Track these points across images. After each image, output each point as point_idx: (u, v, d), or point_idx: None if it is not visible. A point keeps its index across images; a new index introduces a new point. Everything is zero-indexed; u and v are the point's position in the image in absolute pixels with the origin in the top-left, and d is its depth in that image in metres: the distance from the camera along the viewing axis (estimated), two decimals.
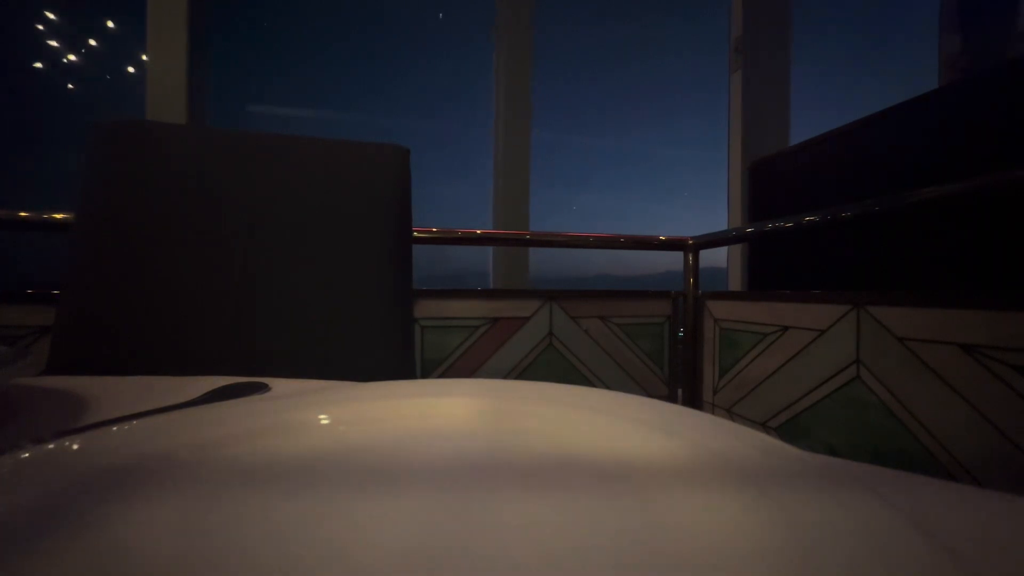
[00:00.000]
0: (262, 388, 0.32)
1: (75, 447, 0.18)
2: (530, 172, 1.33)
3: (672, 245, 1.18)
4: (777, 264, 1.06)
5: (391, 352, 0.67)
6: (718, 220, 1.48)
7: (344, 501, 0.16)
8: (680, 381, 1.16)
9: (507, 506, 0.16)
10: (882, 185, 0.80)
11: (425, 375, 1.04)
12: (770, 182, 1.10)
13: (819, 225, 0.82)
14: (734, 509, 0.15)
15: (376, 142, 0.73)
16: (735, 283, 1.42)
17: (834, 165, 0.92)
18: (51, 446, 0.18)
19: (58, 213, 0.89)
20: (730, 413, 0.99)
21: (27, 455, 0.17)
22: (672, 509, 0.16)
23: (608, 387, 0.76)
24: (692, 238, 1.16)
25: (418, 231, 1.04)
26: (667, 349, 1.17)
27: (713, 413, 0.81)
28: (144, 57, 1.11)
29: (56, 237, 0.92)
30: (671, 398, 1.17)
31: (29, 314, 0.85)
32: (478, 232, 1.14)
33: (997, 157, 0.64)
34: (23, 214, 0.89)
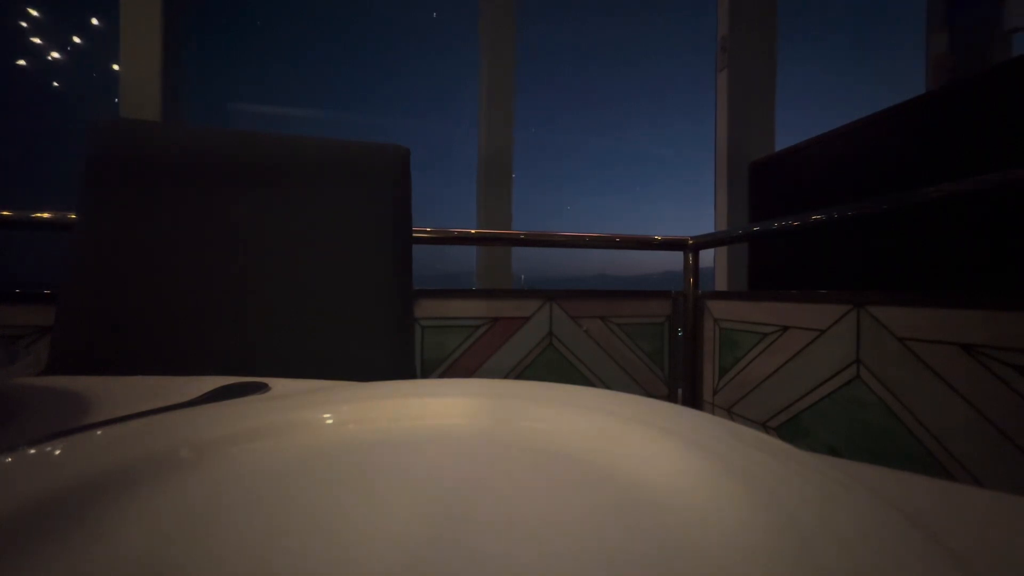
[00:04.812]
0: (262, 388, 0.32)
1: (75, 447, 0.18)
2: (513, 172, 1.33)
3: (671, 245, 1.18)
4: (777, 264, 1.06)
5: (391, 352, 0.67)
6: (709, 219, 1.48)
7: (344, 501, 0.16)
8: (680, 381, 1.16)
9: (508, 506, 0.16)
10: (882, 185, 0.80)
11: (425, 375, 1.04)
12: (770, 182, 1.10)
13: (820, 225, 0.82)
14: (734, 509, 0.15)
15: (376, 142, 0.73)
16: (722, 283, 1.42)
17: (834, 165, 0.92)
18: (49, 446, 0.18)
19: (56, 213, 0.89)
20: (730, 413, 0.99)
21: (23, 455, 0.17)
22: (673, 509, 0.16)
23: (608, 387, 0.76)
24: (692, 238, 1.16)
25: (415, 231, 1.04)
26: (667, 349, 1.17)
27: (713, 413, 0.81)
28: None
29: (56, 237, 0.92)
30: (671, 398, 1.17)
31: (29, 314, 0.85)
32: (473, 232, 1.14)
33: (996, 157, 0.64)
34: (22, 214, 0.89)
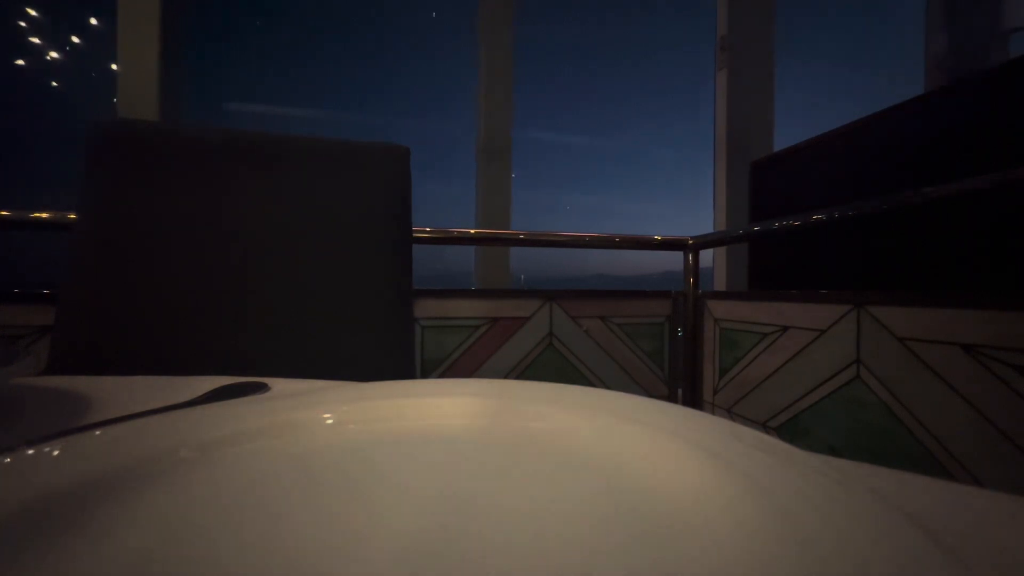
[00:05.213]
0: (262, 388, 0.32)
1: (74, 447, 0.18)
2: (512, 171, 1.33)
3: (671, 245, 1.18)
4: (777, 264, 1.06)
5: (391, 352, 0.67)
6: (709, 218, 1.48)
7: (344, 501, 0.16)
8: (680, 381, 1.16)
9: (509, 507, 0.16)
10: (882, 185, 0.80)
11: (425, 375, 1.04)
12: (770, 182, 1.10)
13: (820, 225, 0.82)
14: (734, 509, 0.15)
15: (376, 141, 0.73)
16: (721, 283, 1.42)
17: (834, 165, 0.92)
18: (49, 446, 0.18)
19: (55, 213, 0.89)
20: (730, 413, 0.99)
21: (23, 456, 0.17)
22: (673, 509, 0.16)
23: (608, 387, 0.76)
24: (692, 238, 1.16)
25: (415, 231, 1.04)
26: (667, 349, 1.17)
27: (713, 413, 0.81)
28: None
29: (56, 237, 0.92)
30: (671, 398, 1.17)
31: (29, 314, 0.85)
32: (472, 232, 1.13)
33: (996, 157, 0.64)
34: (22, 214, 0.89)
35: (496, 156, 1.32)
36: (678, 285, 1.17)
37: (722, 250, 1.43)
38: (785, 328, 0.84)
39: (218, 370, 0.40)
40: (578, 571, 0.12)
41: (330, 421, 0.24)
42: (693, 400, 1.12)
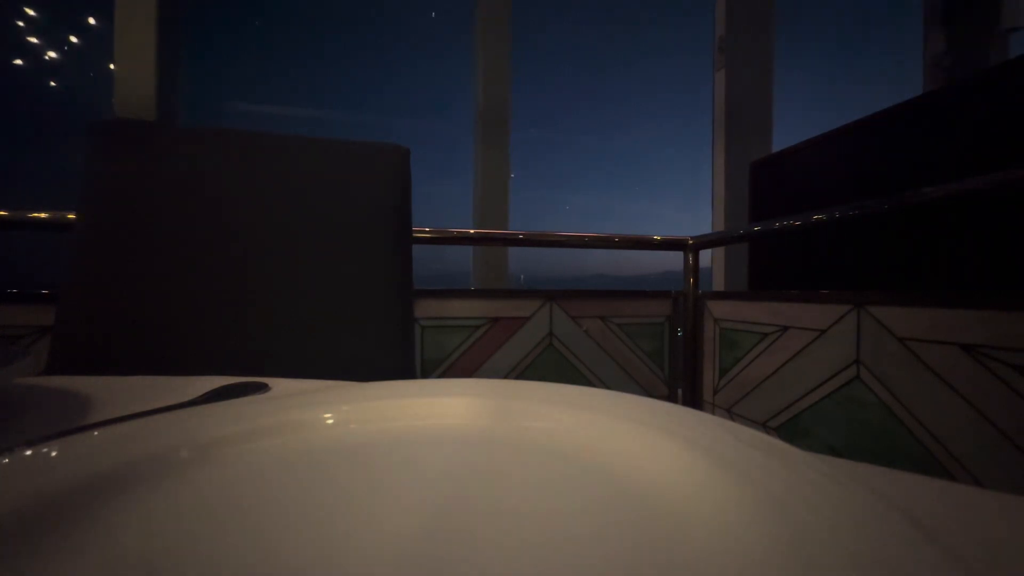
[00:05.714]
0: (262, 388, 0.32)
1: (74, 447, 0.18)
2: (510, 171, 1.33)
3: (671, 245, 1.18)
4: (777, 264, 1.06)
5: (391, 352, 0.67)
6: (707, 218, 1.48)
7: (344, 501, 0.16)
8: (680, 381, 1.16)
9: (509, 507, 0.16)
10: (882, 185, 0.80)
11: (425, 375, 1.04)
12: (770, 182, 1.10)
13: (820, 225, 0.82)
14: (734, 509, 0.15)
15: (376, 141, 0.73)
16: (720, 283, 1.42)
17: (834, 165, 0.92)
18: (48, 446, 0.18)
19: (55, 213, 0.89)
20: (730, 413, 0.99)
21: (21, 456, 0.17)
22: (673, 509, 0.16)
23: (608, 387, 0.76)
24: (692, 238, 1.16)
25: (415, 231, 1.04)
26: (667, 349, 1.17)
27: (713, 413, 0.81)
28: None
29: (56, 237, 0.92)
30: (671, 398, 1.17)
31: (29, 314, 0.85)
32: (472, 232, 1.13)
33: (996, 157, 0.64)
34: (21, 214, 0.89)
35: (494, 155, 1.32)
36: (678, 285, 1.17)
37: (721, 250, 1.43)
38: (785, 328, 0.84)
39: (218, 370, 0.40)
40: (577, 571, 0.12)
41: (330, 421, 0.24)
42: (693, 400, 1.12)
